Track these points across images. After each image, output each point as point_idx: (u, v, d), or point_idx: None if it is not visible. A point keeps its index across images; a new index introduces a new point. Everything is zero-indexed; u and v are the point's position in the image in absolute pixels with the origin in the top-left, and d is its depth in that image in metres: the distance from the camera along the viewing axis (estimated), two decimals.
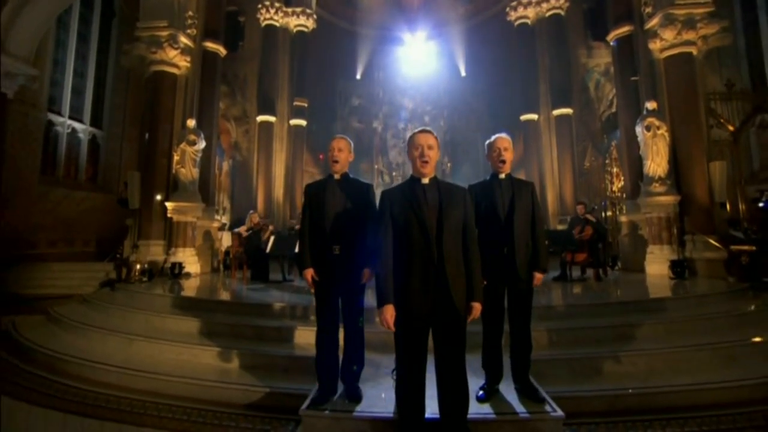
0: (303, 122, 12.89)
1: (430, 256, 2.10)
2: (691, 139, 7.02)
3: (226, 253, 8.54)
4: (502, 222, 2.68)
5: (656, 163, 6.97)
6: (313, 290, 2.79)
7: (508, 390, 2.74)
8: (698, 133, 7.06)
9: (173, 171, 7.67)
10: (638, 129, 7.11)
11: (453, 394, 2.17)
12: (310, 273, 2.73)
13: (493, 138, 2.85)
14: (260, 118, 12.20)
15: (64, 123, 10.78)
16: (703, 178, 6.98)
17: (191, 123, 7.71)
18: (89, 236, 11.13)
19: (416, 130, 2.37)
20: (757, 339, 3.93)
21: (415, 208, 2.17)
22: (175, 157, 7.60)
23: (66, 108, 10.83)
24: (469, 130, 13.75)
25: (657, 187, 6.94)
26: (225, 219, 13.08)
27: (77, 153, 11.14)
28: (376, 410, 2.48)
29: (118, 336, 4.41)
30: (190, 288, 6.50)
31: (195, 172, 7.70)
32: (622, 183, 9.62)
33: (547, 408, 2.45)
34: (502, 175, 2.78)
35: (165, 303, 5.18)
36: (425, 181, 2.26)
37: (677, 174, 7.10)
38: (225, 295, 5.75)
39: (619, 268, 7.84)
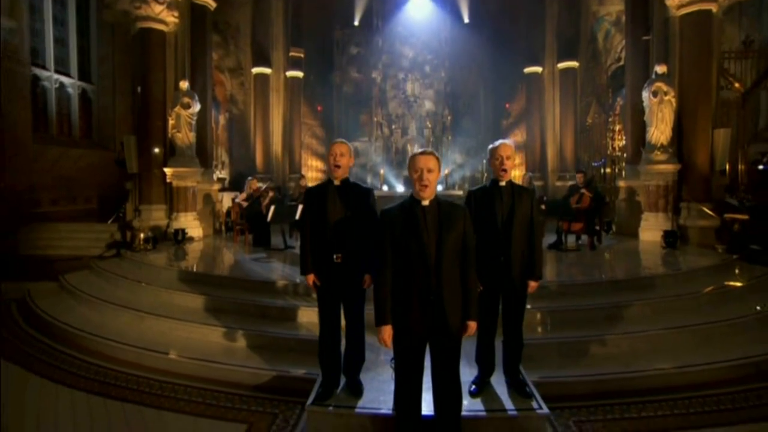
0: (300, 74, 12.41)
1: (429, 283, 2.18)
2: (699, 105, 6.85)
3: (227, 214, 8.65)
4: (500, 231, 2.73)
5: (660, 131, 6.86)
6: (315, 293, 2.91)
7: (499, 382, 2.94)
8: (707, 98, 6.88)
9: (169, 135, 7.54)
10: (645, 94, 6.91)
11: (447, 399, 2.35)
12: (311, 278, 2.84)
13: (497, 144, 2.82)
14: (255, 70, 11.73)
15: (51, 77, 10.34)
16: (706, 145, 6.91)
17: (184, 85, 7.44)
18: (90, 194, 11.15)
19: (417, 152, 2.30)
20: (734, 318, 4.16)
21: (415, 234, 2.21)
22: (171, 122, 7.44)
23: (50, 61, 10.32)
24: (470, 81, 13.27)
25: (658, 155, 6.89)
26: (224, 173, 13.05)
27: (68, 109, 10.80)
28: (376, 405, 2.70)
29: (130, 312, 4.62)
30: (194, 255, 6.69)
31: (191, 136, 7.58)
32: (624, 142, 9.49)
33: (534, 405, 2.66)
34: (503, 183, 2.78)
35: (171, 276, 5.36)
36: (425, 203, 2.27)
37: (680, 141, 7.01)
38: (228, 267, 5.93)
39: (613, 232, 8.00)
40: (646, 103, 6.96)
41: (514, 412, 2.62)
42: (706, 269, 5.24)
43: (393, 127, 13.77)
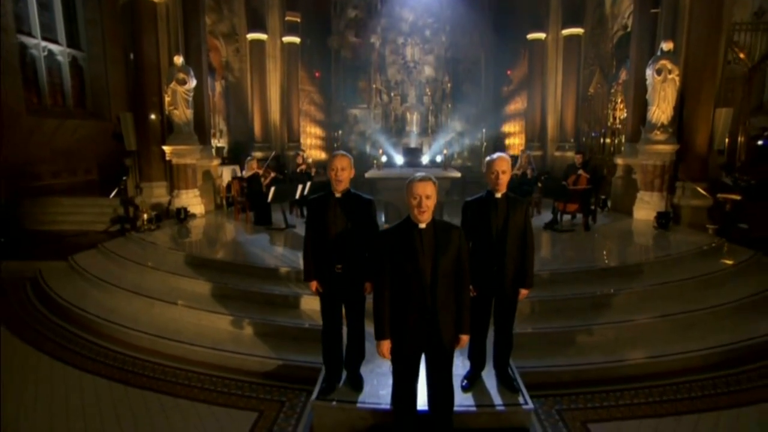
0: (296, 39, 12.02)
1: (425, 302, 2.34)
2: (703, 84, 6.76)
3: (228, 188, 8.71)
4: (495, 241, 2.85)
5: (661, 110, 6.82)
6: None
7: (489, 375, 3.18)
8: (712, 77, 6.78)
9: (166, 112, 7.47)
10: (648, 71, 6.80)
11: (441, 400, 2.58)
12: (314, 285, 3.00)
13: (494, 157, 2.88)
14: (251, 35, 11.36)
15: (38, 45, 10.02)
16: (706, 125, 6.89)
17: (179, 60, 7.28)
18: (90, 165, 11.17)
19: (415, 178, 2.35)
20: (712, 307, 4.39)
21: (412, 256, 2.33)
22: (167, 99, 7.35)
23: (36, 27, 9.94)
24: (472, 46, 12.86)
25: (658, 135, 6.89)
26: (222, 142, 12.97)
27: (60, 78, 10.55)
28: (376, 400, 2.93)
29: (140, 298, 4.83)
30: (197, 235, 6.85)
31: (189, 113, 7.51)
32: (625, 114, 9.41)
33: (520, 400, 2.91)
34: (498, 195, 2.87)
35: (177, 260, 5.54)
36: (422, 226, 2.37)
37: (680, 119, 6.98)
38: (232, 251, 6.03)
39: (608, 209, 8.13)
40: (649, 81, 6.87)
41: (502, 408, 2.87)
42: (693, 254, 5.41)
43: (392, 94, 13.52)
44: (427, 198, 2.31)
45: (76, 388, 3.59)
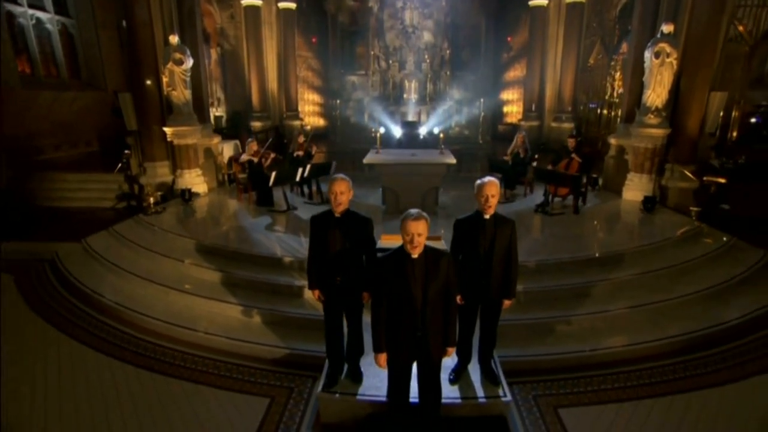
0: (292, 5, 11.63)
1: (416, 323, 2.68)
2: (701, 67, 6.79)
3: (229, 165, 8.86)
4: (482, 259, 3.14)
5: (656, 93, 6.89)
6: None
7: (474, 369, 3.59)
8: (710, 60, 6.79)
9: (165, 93, 7.49)
10: (647, 54, 6.80)
11: (430, 397, 2.99)
12: (316, 293, 3.34)
13: (485, 180, 3.06)
14: (245, 2, 11.00)
15: (26, 13, 9.76)
16: (699, 108, 6.99)
17: (174, 40, 7.18)
18: (90, 137, 11.23)
19: (409, 215, 2.56)
20: (683, 296, 4.79)
21: (405, 284, 2.63)
22: (164, 79, 7.34)
23: None
24: (472, 12, 12.47)
25: (651, 119, 7.00)
26: (220, 111, 12.91)
27: (51, 48, 10.36)
28: (374, 392, 3.34)
29: (154, 285, 5.19)
30: (202, 217, 7.09)
31: (187, 94, 7.52)
32: (622, 89, 9.40)
33: (500, 392, 3.33)
34: (487, 216, 3.12)
35: (186, 247, 5.81)
36: (414, 256, 2.66)
37: (675, 102, 7.06)
38: (237, 237, 6.23)
39: (600, 187, 8.35)
40: (646, 64, 6.88)
41: (484, 400, 3.29)
42: (671, 243, 5.72)
43: (390, 60, 13.26)
44: (419, 235, 2.57)
45: (108, 375, 3.95)
